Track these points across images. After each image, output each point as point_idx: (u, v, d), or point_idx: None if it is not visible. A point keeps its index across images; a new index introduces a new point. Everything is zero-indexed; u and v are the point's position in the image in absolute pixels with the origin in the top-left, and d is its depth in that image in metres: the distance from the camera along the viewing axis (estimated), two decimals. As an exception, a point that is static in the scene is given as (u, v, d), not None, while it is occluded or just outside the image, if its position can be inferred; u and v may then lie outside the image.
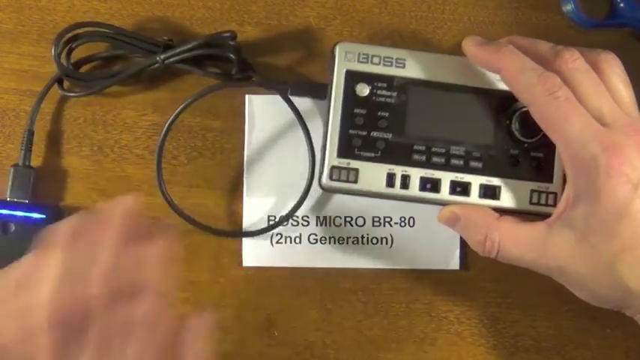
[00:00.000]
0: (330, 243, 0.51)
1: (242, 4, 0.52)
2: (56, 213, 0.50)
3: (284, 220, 0.51)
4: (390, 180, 0.46)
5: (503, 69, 0.45)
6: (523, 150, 0.47)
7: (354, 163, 0.46)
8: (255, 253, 0.51)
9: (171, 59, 0.49)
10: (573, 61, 0.45)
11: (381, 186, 0.46)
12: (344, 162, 0.46)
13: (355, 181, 0.46)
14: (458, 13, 0.53)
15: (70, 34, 0.50)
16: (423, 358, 0.51)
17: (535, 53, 0.45)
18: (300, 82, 0.50)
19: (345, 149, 0.46)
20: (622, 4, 0.52)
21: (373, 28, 0.52)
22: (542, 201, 0.47)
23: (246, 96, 0.51)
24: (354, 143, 0.46)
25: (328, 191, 0.48)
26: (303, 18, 0.52)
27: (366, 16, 0.52)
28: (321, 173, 0.46)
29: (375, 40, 0.52)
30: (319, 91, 0.48)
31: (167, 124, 0.49)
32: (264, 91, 0.51)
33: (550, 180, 0.46)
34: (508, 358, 0.51)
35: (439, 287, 0.51)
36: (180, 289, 0.49)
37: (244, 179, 0.51)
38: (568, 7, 0.52)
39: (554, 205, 0.46)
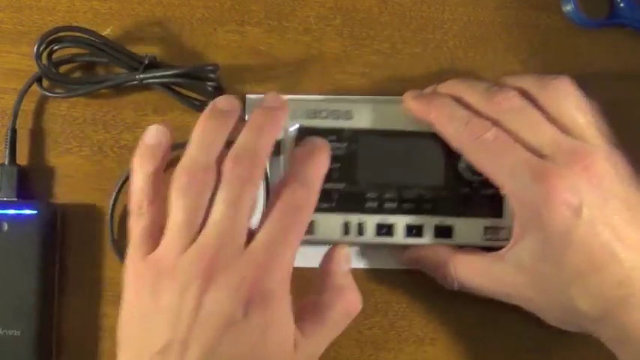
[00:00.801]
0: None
1: (242, 4, 0.52)
2: (48, 208, 0.50)
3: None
4: (346, 228, 0.48)
5: (433, 121, 0.46)
6: (473, 188, 0.48)
7: None
8: (255, 253, 0.51)
9: (150, 80, 0.49)
10: (506, 101, 0.44)
11: (337, 235, 0.47)
12: None
13: (312, 232, 0.47)
14: (458, 13, 0.53)
15: (54, 36, 0.49)
16: (423, 358, 0.51)
17: (472, 97, 0.46)
18: None
19: None
20: (622, 4, 0.52)
21: (373, 28, 0.52)
22: (496, 236, 0.48)
23: (246, 96, 0.51)
24: None
25: None
26: (303, 18, 0.52)
27: (366, 16, 0.52)
28: None
29: (375, 41, 0.52)
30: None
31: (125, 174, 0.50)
32: (264, 92, 0.51)
33: (501, 215, 0.46)
34: (508, 358, 0.51)
35: (439, 287, 0.51)
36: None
37: (244, 179, 0.51)
38: (568, 7, 0.52)
39: (509, 238, 0.45)
